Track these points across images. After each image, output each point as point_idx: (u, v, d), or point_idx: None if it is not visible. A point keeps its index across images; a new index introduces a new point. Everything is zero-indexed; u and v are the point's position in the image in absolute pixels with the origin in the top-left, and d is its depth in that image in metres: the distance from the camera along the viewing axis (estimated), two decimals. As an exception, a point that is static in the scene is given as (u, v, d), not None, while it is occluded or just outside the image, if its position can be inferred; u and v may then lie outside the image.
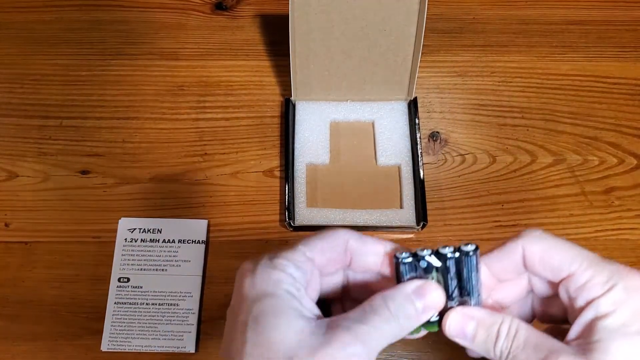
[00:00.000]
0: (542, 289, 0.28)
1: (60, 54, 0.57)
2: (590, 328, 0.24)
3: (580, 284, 0.25)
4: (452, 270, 0.27)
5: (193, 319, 0.45)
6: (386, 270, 0.28)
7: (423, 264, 0.27)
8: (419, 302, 0.26)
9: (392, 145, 0.51)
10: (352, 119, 0.53)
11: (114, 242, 0.48)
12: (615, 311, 0.24)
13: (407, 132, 0.52)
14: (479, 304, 0.27)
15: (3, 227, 0.49)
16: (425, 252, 0.27)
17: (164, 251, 0.48)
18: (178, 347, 0.45)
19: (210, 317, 0.46)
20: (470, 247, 0.27)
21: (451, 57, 0.57)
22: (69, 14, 0.60)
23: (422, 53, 0.48)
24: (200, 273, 0.47)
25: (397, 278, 0.27)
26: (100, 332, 0.45)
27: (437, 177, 0.52)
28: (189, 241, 0.48)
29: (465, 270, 0.27)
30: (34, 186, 0.51)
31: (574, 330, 0.25)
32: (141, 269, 0.47)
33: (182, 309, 0.46)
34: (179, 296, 0.46)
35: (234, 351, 0.25)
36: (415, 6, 0.46)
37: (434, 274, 0.27)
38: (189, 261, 0.47)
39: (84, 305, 0.46)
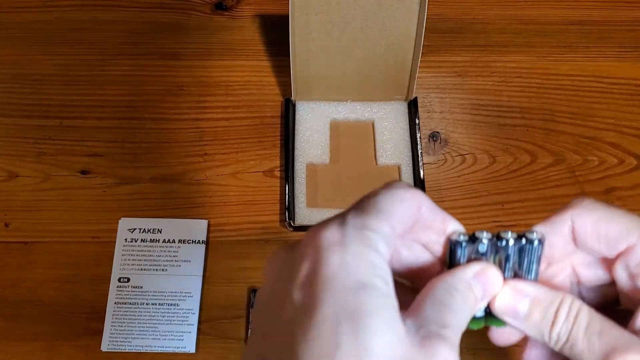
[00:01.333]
0: (591, 275, 0.24)
1: (60, 53, 0.57)
2: None
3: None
4: (513, 258, 0.23)
5: (193, 319, 0.45)
6: (439, 249, 0.24)
7: (482, 248, 0.23)
8: (478, 288, 0.22)
9: (392, 145, 0.51)
10: (352, 119, 0.53)
11: (114, 242, 0.48)
12: None
13: (407, 132, 0.52)
14: None
15: (3, 227, 0.49)
16: (485, 235, 0.23)
17: (164, 251, 0.48)
18: (178, 347, 0.45)
19: (210, 317, 0.46)
20: (535, 236, 0.23)
21: (451, 57, 0.57)
22: (69, 14, 0.60)
23: (422, 53, 0.48)
24: (201, 273, 0.47)
25: (450, 260, 0.23)
26: (100, 332, 0.45)
27: (437, 177, 0.52)
28: (189, 241, 0.48)
29: (526, 261, 0.23)
30: (34, 186, 0.51)
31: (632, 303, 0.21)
32: (141, 269, 0.47)
33: (182, 309, 0.46)
34: (179, 296, 0.46)
35: (310, 353, 0.18)
36: (415, 6, 0.46)
37: (492, 260, 0.23)
38: (189, 261, 0.47)
39: (84, 305, 0.46)
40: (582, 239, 0.23)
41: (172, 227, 0.48)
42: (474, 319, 0.23)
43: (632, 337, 0.20)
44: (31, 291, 0.47)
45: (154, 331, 0.45)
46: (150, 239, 0.48)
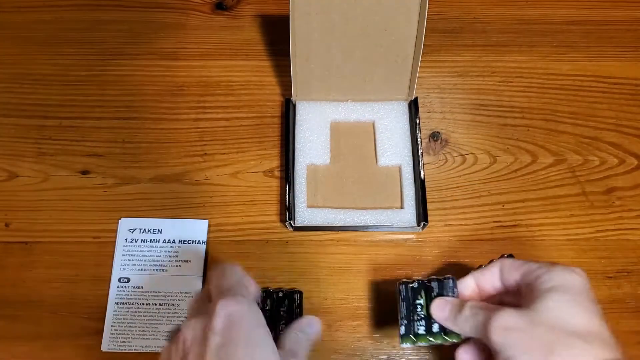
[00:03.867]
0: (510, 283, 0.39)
1: (60, 53, 0.57)
2: (532, 291, 0.35)
3: (532, 269, 0.36)
4: (436, 291, 0.39)
5: None
6: None
7: (415, 285, 0.40)
8: (309, 329, 0.38)
9: (392, 145, 0.51)
10: (352, 119, 0.53)
11: (114, 242, 0.48)
12: (552, 279, 0.35)
13: (408, 132, 0.52)
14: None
15: (3, 227, 0.49)
16: (416, 279, 0.40)
17: (164, 251, 0.48)
18: None
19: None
20: (450, 277, 0.40)
21: (452, 57, 0.57)
22: (69, 14, 0.60)
23: (422, 53, 0.48)
24: (201, 273, 0.47)
25: (401, 296, 0.40)
26: (100, 332, 0.45)
27: (438, 177, 0.52)
28: (189, 241, 0.48)
29: (444, 292, 0.39)
30: (34, 186, 0.51)
31: (523, 299, 0.36)
32: (141, 269, 0.47)
33: (183, 310, 0.46)
34: (180, 296, 0.46)
35: None
36: (416, 6, 0.46)
37: (422, 293, 0.39)
38: (189, 261, 0.47)
39: (84, 306, 0.46)
40: (505, 277, 0.38)
41: (172, 227, 0.48)
42: (433, 333, 0.38)
43: (506, 307, 0.35)
44: (31, 291, 0.47)
45: (154, 331, 0.45)
46: (151, 239, 0.48)
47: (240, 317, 0.33)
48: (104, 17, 0.59)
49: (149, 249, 0.48)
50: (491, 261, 0.39)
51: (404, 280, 0.40)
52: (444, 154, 0.53)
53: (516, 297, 0.37)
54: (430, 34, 0.58)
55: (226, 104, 0.55)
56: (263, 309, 0.39)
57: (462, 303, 0.37)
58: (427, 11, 0.45)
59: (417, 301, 0.39)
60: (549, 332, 0.33)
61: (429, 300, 0.39)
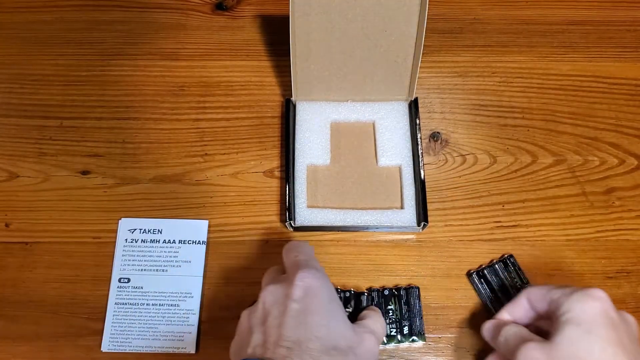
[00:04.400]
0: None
1: (60, 54, 0.57)
2: (556, 321, 0.37)
3: (555, 297, 0.39)
4: (404, 297, 0.46)
5: (194, 320, 0.45)
6: None
7: (386, 292, 0.46)
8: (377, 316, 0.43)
9: (392, 145, 0.51)
10: (352, 120, 0.53)
11: (114, 242, 0.48)
12: (570, 310, 0.37)
13: (408, 133, 0.52)
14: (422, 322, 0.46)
15: (3, 227, 0.49)
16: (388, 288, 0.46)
17: (165, 251, 0.48)
18: (178, 348, 0.45)
19: (210, 318, 0.46)
20: (415, 287, 0.46)
21: (452, 58, 0.57)
22: (69, 14, 0.60)
23: (422, 53, 0.48)
24: (201, 274, 0.47)
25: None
26: (100, 332, 0.45)
27: (438, 177, 0.52)
28: (189, 241, 0.48)
29: (411, 298, 0.46)
30: (34, 186, 0.51)
31: (552, 327, 0.38)
32: (142, 270, 0.47)
33: (183, 310, 0.46)
34: (180, 297, 0.46)
35: None
36: (416, 6, 0.46)
37: (393, 300, 0.46)
38: (190, 262, 0.47)
39: (84, 306, 0.46)
40: (535, 306, 0.41)
41: (172, 227, 0.48)
42: (403, 334, 0.45)
43: (536, 336, 0.38)
44: (31, 291, 0.47)
45: (155, 332, 0.45)
46: (151, 240, 0.48)
47: (317, 288, 0.36)
48: (104, 17, 0.59)
49: (149, 249, 0.48)
50: (520, 288, 0.44)
51: (375, 288, 0.46)
52: (444, 154, 0.53)
53: (550, 322, 0.39)
54: (430, 34, 0.58)
55: (226, 104, 0.55)
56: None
57: (500, 326, 0.40)
58: (427, 11, 0.45)
59: (389, 307, 0.45)
60: None
61: (398, 305, 0.45)
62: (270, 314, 0.36)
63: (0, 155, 0.52)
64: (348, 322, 0.38)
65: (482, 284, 0.47)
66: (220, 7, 0.60)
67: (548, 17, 0.60)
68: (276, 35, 0.58)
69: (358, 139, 0.53)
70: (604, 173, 0.52)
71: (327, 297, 0.37)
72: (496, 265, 0.47)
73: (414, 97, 0.53)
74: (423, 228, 0.48)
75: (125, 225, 0.49)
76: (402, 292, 0.46)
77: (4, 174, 0.51)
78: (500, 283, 0.46)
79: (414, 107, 0.52)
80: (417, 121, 0.52)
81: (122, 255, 0.48)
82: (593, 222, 0.50)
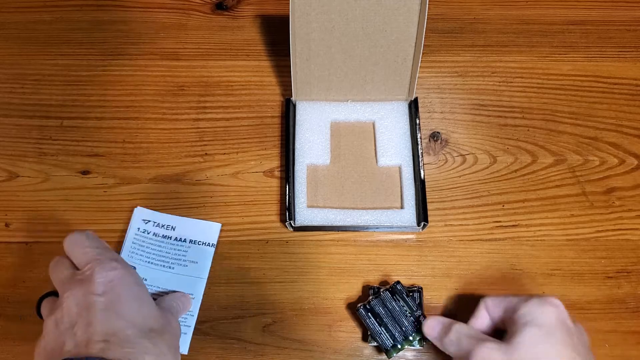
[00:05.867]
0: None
1: (60, 54, 0.57)
2: (513, 325, 0.38)
3: (513, 303, 0.39)
4: (403, 301, 0.44)
5: (191, 321, 0.45)
6: None
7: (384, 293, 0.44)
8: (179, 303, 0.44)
9: (392, 145, 0.51)
10: (352, 119, 0.53)
11: (114, 242, 0.48)
12: (529, 312, 0.37)
13: (408, 133, 0.52)
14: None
15: (3, 227, 0.49)
16: (383, 288, 0.44)
17: (174, 249, 0.48)
18: None
19: (210, 318, 0.46)
20: (415, 287, 0.46)
21: (452, 57, 0.57)
22: (70, 14, 0.60)
23: (422, 53, 0.48)
24: (206, 276, 0.47)
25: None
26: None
27: (438, 177, 0.52)
28: (199, 242, 0.48)
29: (412, 302, 0.44)
30: (35, 186, 0.51)
31: (508, 331, 0.38)
32: (149, 262, 0.47)
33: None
34: None
35: None
36: (416, 6, 0.46)
37: (393, 302, 0.44)
38: (196, 262, 0.47)
39: (84, 306, 0.46)
40: (491, 315, 0.41)
41: (185, 226, 0.48)
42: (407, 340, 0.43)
43: (491, 338, 0.38)
44: (32, 291, 0.47)
45: None
46: (163, 235, 0.48)
47: (120, 278, 0.37)
48: (105, 17, 0.59)
49: (159, 244, 0.48)
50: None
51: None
52: (444, 154, 0.53)
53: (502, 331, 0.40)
54: (430, 34, 0.58)
55: (226, 104, 0.55)
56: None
57: (450, 325, 0.40)
58: (427, 11, 0.45)
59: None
60: None
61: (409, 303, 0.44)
62: (78, 320, 0.35)
63: (1, 155, 0.52)
64: (154, 303, 0.39)
65: (369, 317, 0.43)
66: (220, 7, 0.60)
67: (548, 16, 0.60)
68: (276, 35, 0.58)
69: (358, 138, 0.53)
70: (604, 173, 0.52)
71: (133, 283, 0.38)
72: (382, 295, 0.44)
73: (414, 97, 0.53)
74: (423, 228, 0.48)
75: (140, 214, 0.49)
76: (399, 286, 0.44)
77: (4, 173, 0.51)
78: (389, 314, 0.43)
79: (414, 107, 0.52)
80: (417, 121, 0.52)
81: (132, 243, 0.47)
82: (593, 222, 0.50)
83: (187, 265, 0.47)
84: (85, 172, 0.52)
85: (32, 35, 0.58)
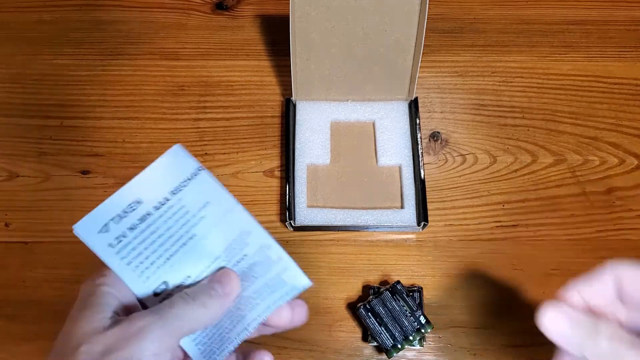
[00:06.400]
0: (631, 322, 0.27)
1: (60, 54, 0.57)
2: None
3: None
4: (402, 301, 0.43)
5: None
6: None
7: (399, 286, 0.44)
8: (220, 287, 0.29)
9: (392, 145, 0.51)
10: (352, 119, 0.53)
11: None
12: None
13: (408, 132, 0.52)
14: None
15: (3, 227, 0.49)
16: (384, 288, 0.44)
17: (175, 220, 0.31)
18: None
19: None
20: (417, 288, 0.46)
21: (452, 57, 0.57)
22: (69, 14, 0.60)
23: (422, 53, 0.48)
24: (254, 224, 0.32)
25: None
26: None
27: (438, 177, 0.52)
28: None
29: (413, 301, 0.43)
30: (35, 186, 0.51)
31: None
32: (159, 257, 0.31)
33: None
34: None
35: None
36: (416, 6, 0.46)
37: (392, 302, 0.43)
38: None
39: (84, 306, 0.46)
40: (630, 293, 0.26)
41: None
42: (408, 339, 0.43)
43: None
44: (32, 291, 0.47)
45: None
46: (147, 212, 0.32)
47: None
48: (105, 17, 0.59)
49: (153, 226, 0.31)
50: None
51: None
52: (444, 153, 0.53)
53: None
54: (430, 34, 0.58)
55: (226, 104, 0.55)
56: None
57: (594, 323, 0.26)
58: (427, 11, 0.45)
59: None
60: None
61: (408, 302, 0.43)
62: None
63: (1, 154, 0.52)
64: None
65: (369, 317, 0.43)
66: (220, 7, 0.60)
67: (548, 16, 0.60)
68: (276, 35, 0.58)
69: (358, 138, 0.53)
70: (604, 173, 0.52)
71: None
72: (384, 295, 0.43)
73: (414, 96, 0.53)
74: (423, 228, 0.48)
75: (87, 231, 0.32)
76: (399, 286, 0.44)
77: (4, 173, 0.51)
78: (389, 314, 0.43)
79: (414, 107, 0.52)
80: (417, 121, 0.52)
81: (127, 265, 0.31)
82: (593, 222, 0.50)
83: (204, 216, 0.31)
84: (85, 172, 0.51)
85: (32, 35, 0.58)
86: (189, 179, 0.32)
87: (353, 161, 0.52)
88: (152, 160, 0.52)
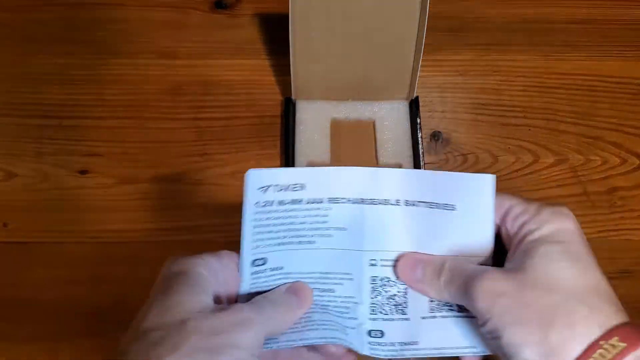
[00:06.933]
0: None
1: (59, 53, 0.57)
2: (519, 245, 0.29)
3: (515, 215, 0.30)
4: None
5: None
6: None
7: None
8: (295, 298, 0.31)
9: (393, 144, 0.51)
10: (352, 119, 0.53)
11: (114, 242, 0.48)
12: (539, 227, 0.29)
13: (409, 132, 0.52)
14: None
15: (2, 227, 0.49)
16: None
17: (309, 215, 0.33)
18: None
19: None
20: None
21: (453, 56, 0.57)
22: (68, 13, 0.59)
23: (423, 52, 0.48)
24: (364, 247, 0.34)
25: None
26: (101, 333, 0.45)
27: (439, 177, 0.51)
28: (342, 200, 0.33)
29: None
30: (33, 186, 0.51)
31: (510, 253, 0.30)
32: (279, 244, 0.33)
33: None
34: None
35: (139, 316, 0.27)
36: (417, 5, 0.46)
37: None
38: (345, 229, 0.33)
39: (84, 306, 0.46)
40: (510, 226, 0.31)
41: (320, 179, 0.33)
42: None
43: (490, 267, 0.29)
44: (31, 292, 0.47)
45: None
46: (292, 199, 0.32)
47: None
48: (103, 15, 0.59)
49: (288, 214, 0.33)
50: None
51: None
52: (445, 153, 0.52)
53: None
54: (431, 32, 0.57)
55: (226, 103, 0.55)
56: None
57: (439, 263, 0.31)
58: (428, 9, 0.45)
59: None
60: (542, 296, 0.27)
61: None
62: None
63: (-1, 154, 0.52)
64: None
65: None
66: (219, 6, 0.60)
67: (550, 15, 0.59)
68: (276, 33, 0.58)
69: (358, 138, 0.52)
70: (606, 173, 0.51)
71: None
72: None
73: (414, 96, 0.52)
74: (424, 228, 0.48)
75: (254, 181, 0.33)
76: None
77: (2, 173, 0.51)
78: None
79: (414, 106, 0.52)
80: (418, 120, 0.52)
81: (254, 228, 0.32)
82: (595, 222, 0.49)
83: (331, 235, 0.33)
84: (84, 172, 0.51)
85: (31, 34, 0.58)
86: (359, 204, 0.34)
87: (353, 161, 0.51)
88: (150, 160, 0.52)
